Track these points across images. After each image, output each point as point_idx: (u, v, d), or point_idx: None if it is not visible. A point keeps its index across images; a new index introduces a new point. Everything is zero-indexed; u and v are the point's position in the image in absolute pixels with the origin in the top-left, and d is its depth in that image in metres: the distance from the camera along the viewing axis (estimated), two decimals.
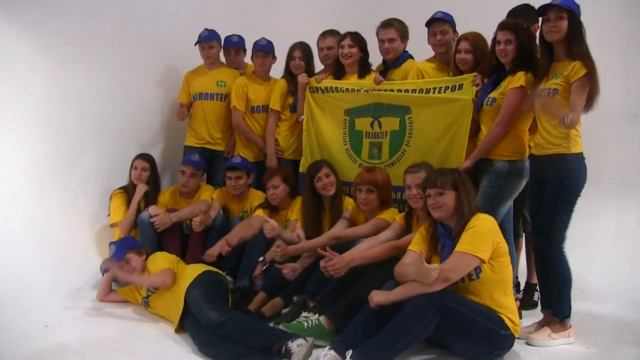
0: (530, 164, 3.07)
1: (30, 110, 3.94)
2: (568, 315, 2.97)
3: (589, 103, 2.84)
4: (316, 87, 3.99)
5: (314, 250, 3.17)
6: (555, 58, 2.92)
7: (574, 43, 2.81)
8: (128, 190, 4.14)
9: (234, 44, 4.45)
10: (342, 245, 3.19)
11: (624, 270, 4.04)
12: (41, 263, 3.78)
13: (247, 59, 4.56)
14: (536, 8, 3.00)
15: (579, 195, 2.97)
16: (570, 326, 3.00)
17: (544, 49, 2.95)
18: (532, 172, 3.06)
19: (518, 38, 3.05)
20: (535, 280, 3.52)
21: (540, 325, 3.08)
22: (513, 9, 3.63)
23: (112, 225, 4.08)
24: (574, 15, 2.81)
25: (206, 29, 4.39)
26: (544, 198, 2.97)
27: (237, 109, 4.28)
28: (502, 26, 3.14)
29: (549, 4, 2.85)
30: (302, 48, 4.15)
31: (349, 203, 3.65)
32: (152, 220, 3.83)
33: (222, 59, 4.56)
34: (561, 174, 2.89)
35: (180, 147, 4.57)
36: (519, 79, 3.03)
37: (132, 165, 4.15)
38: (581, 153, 2.91)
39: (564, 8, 2.80)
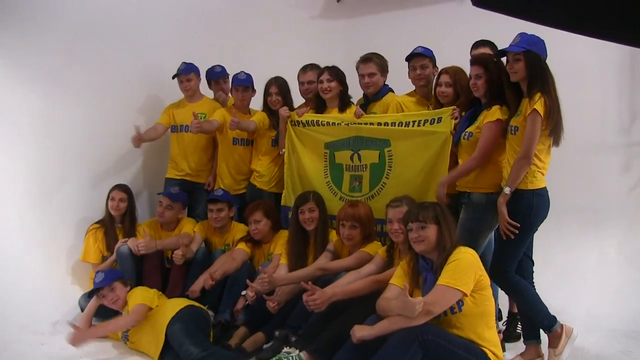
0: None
1: (10, 142, 3.91)
2: (551, 324, 2.98)
3: (554, 138, 2.90)
4: (297, 121, 4.00)
5: (300, 281, 3.14)
6: (523, 95, 2.96)
7: (534, 81, 2.86)
8: (105, 223, 4.11)
9: (219, 74, 4.52)
10: (325, 279, 3.19)
11: (606, 300, 4.04)
12: (17, 297, 3.68)
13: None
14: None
15: (534, 230, 3.02)
16: (542, 354, 3.06)
17: (509, 87, 3.00)
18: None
19: (487, 72, 3.08)
20: (517, 309, 3.52)
21: (523, 357, 3.08)
22: (476, 42, 3.74)
23: (82, 260, 4.08)
24: (531, 55, 2.86)
25: (184, 62, 4.42)
26: (498, 229, 3.01)
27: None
28: (472, 61, 3.20)
29: (504, 49, 2.93)
30: (277, 83, 4.16)
31: (332, 236, 3.63)
32: (138, 242, 3.81)
33: (202, 91, 4.59)
34: (515, 209, 2.91)
35: (161, 179, 4.55)
36: (494, 112, 3.06)
37: (108, 196, 4.13)
38: (542, 189, 2.94)
39: (518, 51, 2.86)
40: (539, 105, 2.80)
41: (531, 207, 2.91)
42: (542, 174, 2.93)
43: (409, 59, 3.74)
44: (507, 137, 3.02)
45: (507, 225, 2.89)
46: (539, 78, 2.85)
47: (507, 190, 2.90)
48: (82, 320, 3.45)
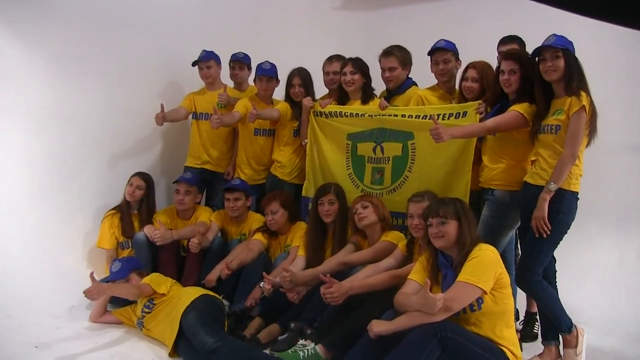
0: (524, 193, 3.01)
1: (30, 125, 3.94)
2: (571, 325, 2.96)
3: (588, 138, 2.85)
4: (320, 112, 3.98)
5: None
6: (555, 95, 2.92)
7: (573, 80, 2.82)
8: (122, 209, 4.13)
9: (240, 59, 4.43)
10: (342, 272, 3.16)
11: (625, 303, 4.00)
12: (34, 281, 3.72)
13: (250, 80, 4.54)
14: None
15: (565, 232, 2.96)
16: (561, 355, 3.02)
17: (540, 87, 2.95)
18: (525, 201, 2.99)
19: (522, 68, 3.03)
20: (535, 309, 3.49)
21: (542, 358, 3.05)
22: (504, 37, 3.67)
23: (98, 247, 4.10)
24: (569, 53, 2.83)
25: (204, 50, 4.40)
26: (531, 228, 2.93)
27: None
28: (506, 56, 3.12)
29: (544, 45, 2.86)
30: (300, 75, 4.13)
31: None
32: (154, 233, 3.79)
33: (223, 79, 4.57)
34: (555, 207, 2.85)
35: (180, 167, 4.55)
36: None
37: (128, 181, 4.15)
38: (577, 193, 2.90)
39: (558, 48, 2.82)
40: (586, 103, 2.76)
41: (569, 209, 2.87)
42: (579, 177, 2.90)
43: (431, 53, 3.68)
44: (541, 137, 2.94)
45: (542, 223, 2.83)
46: (578, 77, 2.81)
47: (552, 186, 2.81)
48: (96, 306, 3.47)
